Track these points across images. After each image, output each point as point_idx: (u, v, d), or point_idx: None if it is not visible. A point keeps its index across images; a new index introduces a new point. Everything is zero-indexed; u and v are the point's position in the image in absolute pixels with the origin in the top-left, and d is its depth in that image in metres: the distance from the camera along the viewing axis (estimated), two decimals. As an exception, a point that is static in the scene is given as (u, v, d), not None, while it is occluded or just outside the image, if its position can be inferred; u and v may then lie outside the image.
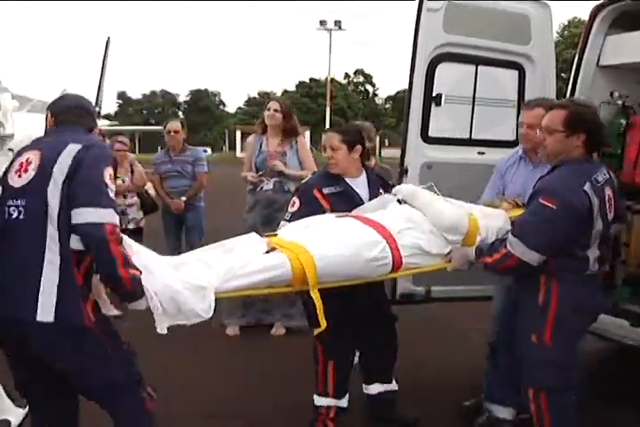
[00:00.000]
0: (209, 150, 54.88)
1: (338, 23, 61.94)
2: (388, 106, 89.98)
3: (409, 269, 4.30)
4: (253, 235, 4.16)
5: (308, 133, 53.86)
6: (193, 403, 5.41)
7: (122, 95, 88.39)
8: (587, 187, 3.87)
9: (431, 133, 5.41)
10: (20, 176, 3.53)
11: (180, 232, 8.03)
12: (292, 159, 6.79)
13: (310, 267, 3.96)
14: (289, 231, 4.34)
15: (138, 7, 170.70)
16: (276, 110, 6.80)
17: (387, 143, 62.25)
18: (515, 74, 5.53)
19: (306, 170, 6.77)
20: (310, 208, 4.58)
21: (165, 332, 3.60)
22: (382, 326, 4.94)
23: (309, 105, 72.97)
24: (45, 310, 3.39)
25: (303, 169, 6.81)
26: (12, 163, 3.62)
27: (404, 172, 5.32)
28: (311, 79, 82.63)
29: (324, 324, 4.08)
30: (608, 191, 4.01)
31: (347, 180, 4.73)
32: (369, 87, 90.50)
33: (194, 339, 6.74)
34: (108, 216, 3.44)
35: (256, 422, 5.09)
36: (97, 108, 32.99)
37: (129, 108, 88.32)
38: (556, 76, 5.69)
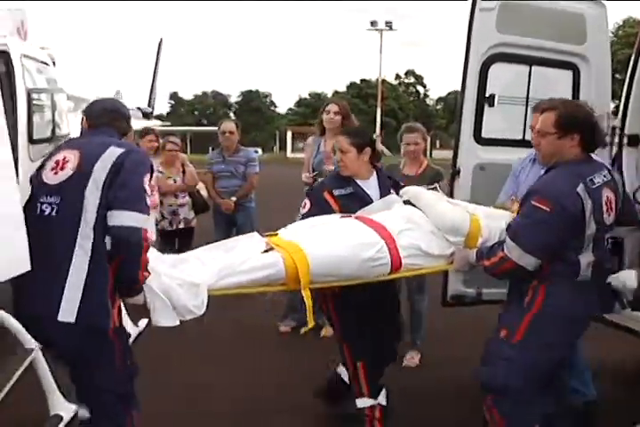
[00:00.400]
0: (260, 151, 55.10)
1: (389, 24, 61.85)
2: (439, 107, 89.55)
3: (410, 270, 4.32)
4: (255, 234, 4.27)
5: (358, 134, 53.86)
6: (237, 400, 5.47)
7: (174, 96, 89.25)
8: (579, 188, 3.80)
9: (484, 134, 5.35)
10: (55, 173, 3.59)
11: (230, 232, 8.01)
12: None
13: (303, 266, 4.01)
14: (289, 231, 4.42)
15: (190, 7, 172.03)
16: (335, 112, 6.79)
17: (437, 144, 61.86)
18: (569, 74, 5.44)
19: None
20: (320, 210, 4.61)
21: (164, 325, 3.74)
22: (395, 326, 4.99)
23: (360, 106, 72.79)
24: (67, 311, 3.46)
25: None
26: (45, 161, 3.66)
27: (456, 173, 5.27)
28: (362, 80, 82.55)
29: (311, 323, 4.16)
30: (607, 193, 3.95)
31: (357, 181, 4.74)
32: (420, 88, 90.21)
33: (243, 337, 6.81)
34: (145, 222, 3.51)
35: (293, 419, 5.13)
36: (149, 109, 33.41)
37: (181, 108, 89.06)
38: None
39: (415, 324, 6.41)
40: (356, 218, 4.41)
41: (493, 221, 4.28)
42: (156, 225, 8.08)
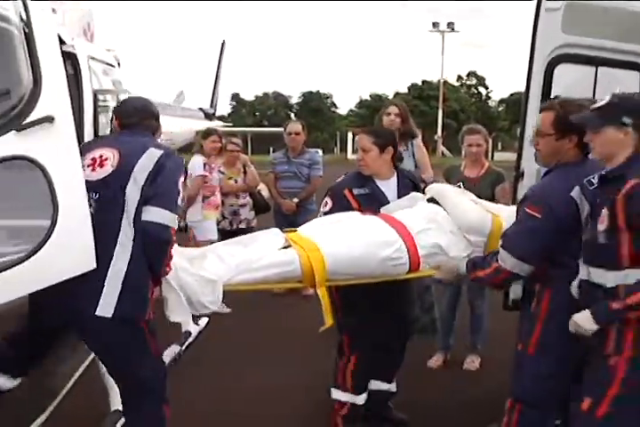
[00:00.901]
0: (320, 152, 55.15)
1: (451, 25, 61.34)
2: (501, 109, 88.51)
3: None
4: (275, 230, 4.33)
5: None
6: (300, 403, 5.50)
7: (235, 97, 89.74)
8: (574, 192, 3.74)
9: (549, 136, 5.26)
10: (93, 170, 3.70)
11: (291, 233, 8.06)
12: (408, 161, 6.76)
13: (319, 265, 4.05)
14: (309, 227, 4.43)
15: (252, 8, 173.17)
16: (396, 114, 6.84)
17: (499, 147, 61.24)
18: (636, 75, 5.34)
19: (425, 173, 6.82)
20: (342, 208, 4.62)
21: (175, 320, 3.90)
22: (405, 326, 5.02)
23: (421, 107, 72.39)
24: (106, 305, 3.59)
25: (420, 170, 6.81)
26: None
27: (519, 175, 5.21)
28: (423, 81, 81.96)
29: (330, 322, 4.17)
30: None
31: (377, 181, 4.76)
32: (482, 90, 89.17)
33: (298, 339, 6.82)
34: (173, 221, 3.69)
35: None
36: (212, 110, 33.67)
37: (242, 109, 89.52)
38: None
39: (475, 327, 6.38)
40: (378, 216, 4.41)
41: None
42: (217, 225, 8.16)
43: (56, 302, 3.56)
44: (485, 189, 5.92)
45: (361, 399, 4.82)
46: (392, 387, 5.05)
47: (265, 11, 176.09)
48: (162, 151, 3.76)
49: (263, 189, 8.74)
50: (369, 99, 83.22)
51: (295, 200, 8.22)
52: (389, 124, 6.82)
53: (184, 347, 6.55)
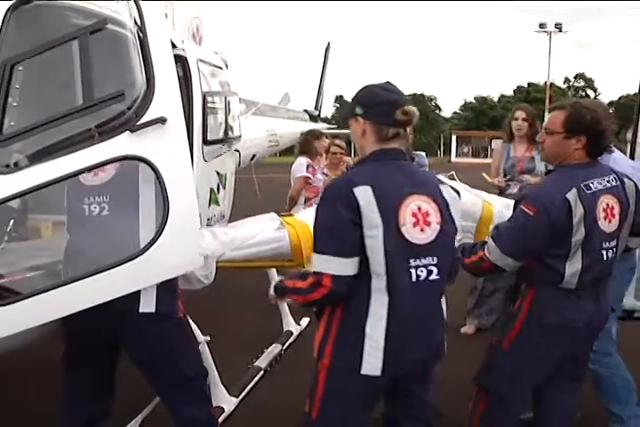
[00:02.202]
0: (423, 154, 54.84)
1: (558, 26, 60.10)
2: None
3: None
4: (272, 214, 4.41)
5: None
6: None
7: (339, 99, 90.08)
8: (570, 194, 3.73)
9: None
10: (96, 175, 3.68)
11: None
12: (539, 164, 6.82)
13: (307, 240, 4.09)
14: (305, 211, 4.48)
15: (357, 9, 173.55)
16: (523, 119, 6.98)
17: (607, 150, 59.61)
18: None
19: None
20: None
21: None
22: None
23: (527, 110, 71.31)
24: (147, 302, 3.65)
25: None
26: None
27: (631, 179, 5.09)
28: (529, 84, 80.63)
29: None
30: (607, 200, 3.85)
31: None
32: (590, 92, 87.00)
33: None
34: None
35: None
36: (317, 112, 33.89)
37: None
38: None
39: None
40: None
41: (510, 211, 4.11)
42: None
43: (96, 316, 3.51)
44: None
45: None
46: None
47: (370, 12, 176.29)
48: None
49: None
50: (473, 101, 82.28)
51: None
52: (517, 128, 6.99)
53: (285, 346, 6.65)
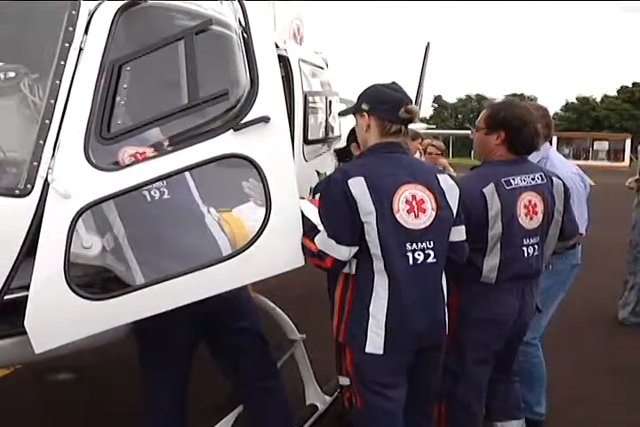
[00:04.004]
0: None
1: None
2: None
3: None
4: (211, 210, 4.20)
5: (628, 142, 51.23)
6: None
7: (437, 99, 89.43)
8: (487, 189, 3.86)
9: None
10: None
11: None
12: None
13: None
14: (240, 208, 4.40)
15: (457, 9, 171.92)
16: None
17: None
18: None
19: None
20: None
21: None
22: None
23: (632, 111, 69.36)
24: None
25: None
26: None
27: None
28: (634, 84, 78.23)
29: None
30: (528, 197, 3.95)
31: None
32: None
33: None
34: None
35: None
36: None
37: (444, 112, 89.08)
38: None
39: None
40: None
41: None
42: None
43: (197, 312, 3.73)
44: None
45: None
46: None
47: (470, 12, 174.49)
48: None
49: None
50: (575, 102, 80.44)
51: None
52: None
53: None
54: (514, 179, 3.99)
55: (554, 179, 4.17)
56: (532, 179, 4.05)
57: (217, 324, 4.04)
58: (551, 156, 4.87)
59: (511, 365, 4.41)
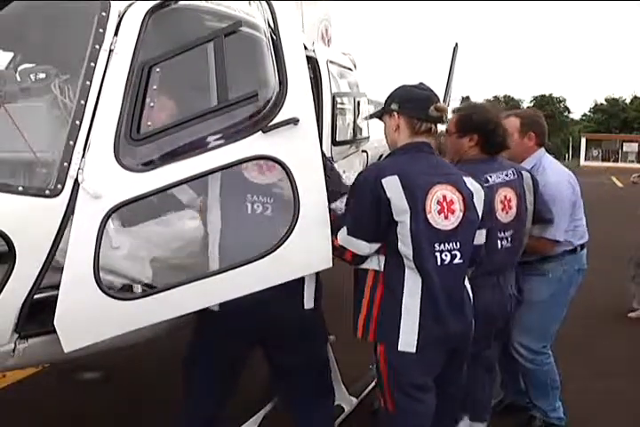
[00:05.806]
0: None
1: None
2: None
3: None
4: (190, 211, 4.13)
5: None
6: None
7: (465, 100, 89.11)
8: None
9: None
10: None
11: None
12: None
13: None
14: None
15: (485, 9, 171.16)
16: None
17: None
18: None
19: None
20: None
21: None
22: None
23: (662, 113, 68.86)
24: (309, 298, 3.84)
25: None
26: None
27: None
28: (665, 85, 77.77)
29: None
30: (504, 192, 4.17)
31: None
32: None
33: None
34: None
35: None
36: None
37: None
38: None
39: None
40: None
41: None
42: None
43: (250, 318, 3.69)
44: None
45: None
46: None
47: (497, 12, 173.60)
48: None
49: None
50: (604, 103, 79.77)
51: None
52: None
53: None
54: (490, 176, 4.16)
55: (523, 173, 4.36)
56: (506, 175, 4.22)
57: (280, 345, 4.03)
58: (544, 162, 4.85)
59: (489, 362, 4.51)
